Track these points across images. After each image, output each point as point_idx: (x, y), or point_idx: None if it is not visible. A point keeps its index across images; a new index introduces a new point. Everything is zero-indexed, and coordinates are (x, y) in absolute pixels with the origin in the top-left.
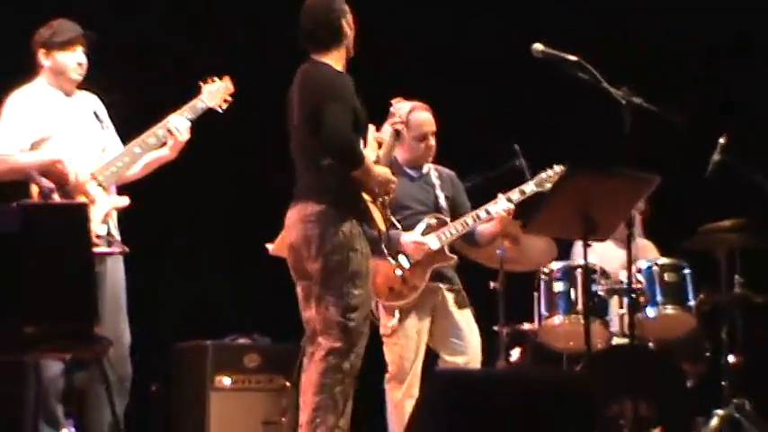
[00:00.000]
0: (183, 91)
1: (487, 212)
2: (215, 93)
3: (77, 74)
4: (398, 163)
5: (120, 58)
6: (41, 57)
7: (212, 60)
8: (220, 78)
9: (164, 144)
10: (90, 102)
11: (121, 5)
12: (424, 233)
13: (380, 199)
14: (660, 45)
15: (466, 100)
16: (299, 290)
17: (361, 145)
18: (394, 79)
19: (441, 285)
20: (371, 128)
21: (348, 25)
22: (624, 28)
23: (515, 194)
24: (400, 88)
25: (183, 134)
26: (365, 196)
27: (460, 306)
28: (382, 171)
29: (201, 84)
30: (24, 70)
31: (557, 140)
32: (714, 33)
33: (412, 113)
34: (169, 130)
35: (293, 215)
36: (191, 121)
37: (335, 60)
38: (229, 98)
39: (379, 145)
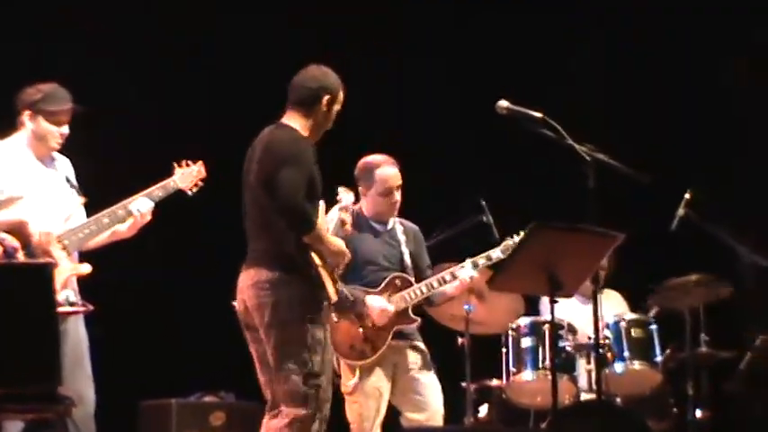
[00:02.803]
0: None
1: (453, 276)
2: (187, 176)
3: (57, 143)
4: (364, 217)
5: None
6: (26, 118)
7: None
8: (194, 162)
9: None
10: (63, 166)
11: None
12: (389, 292)
13: (331, 268)
14: None
15: (433, 154)
16: (252, 351)
17: (314, 213)
18: (361, 134)
19: (402, 343)
20: (322, 203)
21: (327, 106)
22: None
23: (482, 260)
24: (370, 143)
25: (145, 216)
26: (317, 260)
27: (422, 367)
28: (336, 241)
29: (175, 165)
30: None
31: (523, 196)
32: None
33: (378, 169)
34: (130, 212)
35: (246, 280)
36: (160, 199)
37: (303, 127)
38: (200, 183)
39: (343, 223)
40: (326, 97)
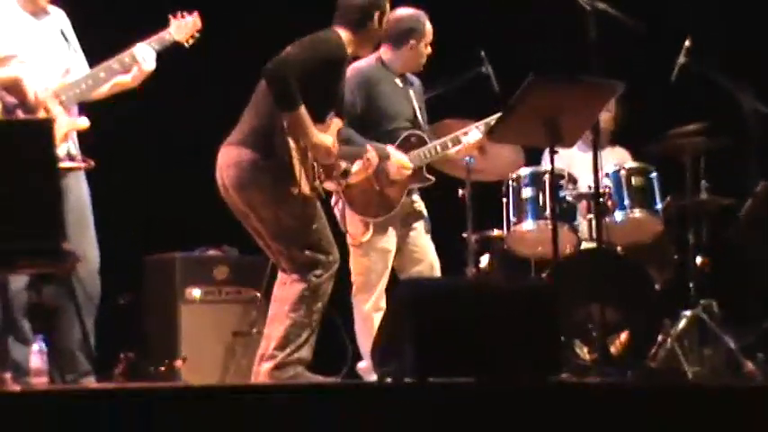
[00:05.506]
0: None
1: (466, 139)
2: (183, 27)
3: None
4: (390, 70)
5: None
6: None
7: None
8: (190, 14)
9: (128, 71)
10: (58, 20)
11: None
12: (404, 150)
13: (313, 163)
14: None
15: (430, 6)
16: (245, 225)
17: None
18: None
19: (411, 199)
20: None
21: (379, 22)
22: None
23: (494, 121)
24: None
25: (149, 63)
26: (294, 154)
27: (421, 225)
28: (325, 138)
29: (171, 17)
30: None
31: (523, 47)
32: None
33: (426, 19)
34: (135, 59)
35: (227, 159)
36: (157, 52)
37: (349, 40)
38: (197, 34)
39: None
40: (376, 15)
